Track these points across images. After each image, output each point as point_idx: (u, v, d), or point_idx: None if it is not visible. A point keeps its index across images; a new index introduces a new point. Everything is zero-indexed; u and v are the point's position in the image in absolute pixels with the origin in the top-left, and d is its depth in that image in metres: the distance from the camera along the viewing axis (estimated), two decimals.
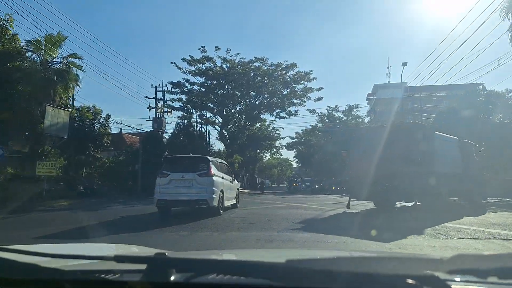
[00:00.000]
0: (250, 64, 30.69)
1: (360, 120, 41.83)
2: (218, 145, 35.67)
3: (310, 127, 43.91)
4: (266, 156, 51.67)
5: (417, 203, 12.24)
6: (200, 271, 1.04)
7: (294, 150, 56.45)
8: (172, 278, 0.98)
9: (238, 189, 13.63)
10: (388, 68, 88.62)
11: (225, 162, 13.59)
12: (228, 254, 2.29)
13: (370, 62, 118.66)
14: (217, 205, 10.14)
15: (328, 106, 41.34)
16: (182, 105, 31.96)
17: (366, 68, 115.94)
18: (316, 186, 35.27)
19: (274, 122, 44.61)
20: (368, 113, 55.54)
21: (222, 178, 11.12)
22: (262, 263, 1.15)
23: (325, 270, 0.94)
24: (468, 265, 0.95)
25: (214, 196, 10.01)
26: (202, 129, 31.60)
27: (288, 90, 31.83)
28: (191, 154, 12.81)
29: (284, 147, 51.26)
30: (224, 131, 33.50)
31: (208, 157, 11.51)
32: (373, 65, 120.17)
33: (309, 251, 3.29)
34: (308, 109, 40.48)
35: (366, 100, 63.31)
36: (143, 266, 1.00)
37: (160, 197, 10.08)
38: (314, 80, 32.68)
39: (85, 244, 3.04)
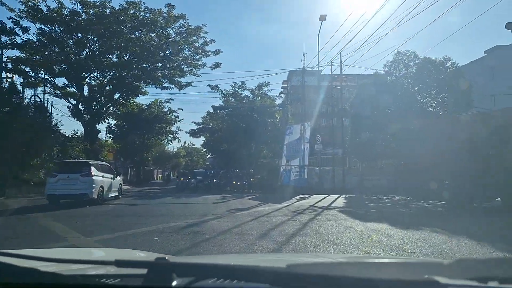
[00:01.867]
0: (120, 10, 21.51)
1: (270, 100, 35.53)
2: (75, 125, 25.67)
3: (212, 109, 36.22)
4: (161, 142, 42.53)
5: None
6: (201, 275, 1.04)
7: (203, 138, 49.07)
8: (174, 283, 0.98)
9: (120, 184, 16.81)
10: (303, 54, 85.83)
11: (107, 164, 16.91)
12: (228, 258, 2.21)
13: (285, 51, 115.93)
14: (96, 197, 13.25)
15: (233, 83, 34.01)
16: (12, 65, 21.44)
17: (282, 57, 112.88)
18: (215, 181, 28.11)
19: (170, 101, 36.14)
20: (284, 98, 51.11)
21: (102, 177, 14.09)
22: (263, 268, 1.14)
23: (326, 275, 0.95)
24: (468, 269, 0.95)
25: (94, 191, 13.09)
26: (38, 99, 21.76)
27: (171, 50, 23.20)
28: (76, 160, 18.45)
29: (181, 131, 43.05)
30: (82, 105, 23.75)
31: (90, 161, 14.71)
32: (289, 53, 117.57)
33: (309, 255, 3.54)
34: (209, 85, 32.97)
35: (282, 88, 60.24)
36: (144, 271, 1.00)
37: (50, 192, 13.03)
38: (213, 43, 25.00)
39: (86, 248, 2.83)
